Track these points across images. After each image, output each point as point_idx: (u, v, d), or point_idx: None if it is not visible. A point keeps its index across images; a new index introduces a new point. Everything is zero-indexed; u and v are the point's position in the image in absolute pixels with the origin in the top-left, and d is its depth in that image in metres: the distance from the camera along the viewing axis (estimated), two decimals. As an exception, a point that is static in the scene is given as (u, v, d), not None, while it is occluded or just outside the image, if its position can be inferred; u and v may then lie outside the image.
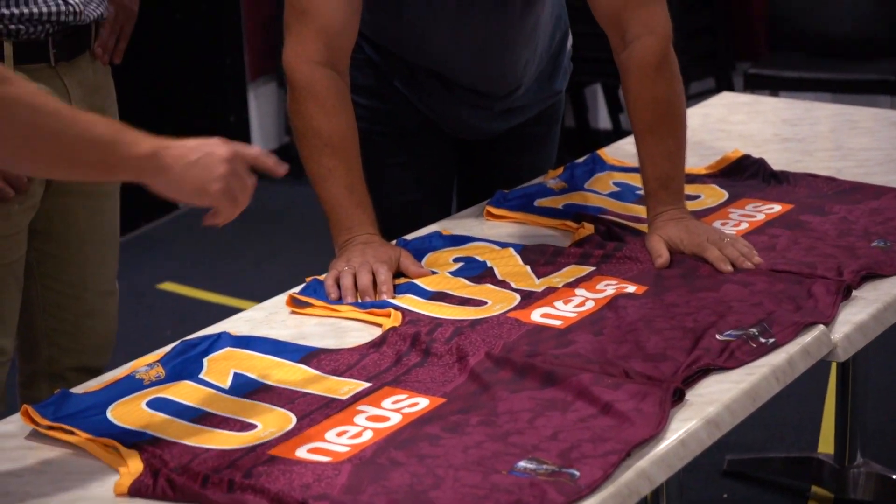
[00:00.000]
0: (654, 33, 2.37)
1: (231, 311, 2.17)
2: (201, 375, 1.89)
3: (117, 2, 2.54)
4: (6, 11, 2.29)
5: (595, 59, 5.05)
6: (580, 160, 2.76)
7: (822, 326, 1.97)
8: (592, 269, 2.25)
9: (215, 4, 5.39)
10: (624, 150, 2.79)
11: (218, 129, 5.34)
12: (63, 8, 2.34)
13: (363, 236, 2.29)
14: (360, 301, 2.16)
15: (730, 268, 2.21)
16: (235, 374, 1.89)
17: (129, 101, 4.96)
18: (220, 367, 1.91)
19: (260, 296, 2.35)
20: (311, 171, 2.33)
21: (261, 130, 5.59)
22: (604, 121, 5.62)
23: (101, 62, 2.50)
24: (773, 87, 4.85)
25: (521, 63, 2.62)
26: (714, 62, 5.14)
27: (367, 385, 1.84)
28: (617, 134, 5.46)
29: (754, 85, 4.83)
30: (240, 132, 5.46)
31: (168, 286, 4.74)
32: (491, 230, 2.45)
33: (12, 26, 2.30)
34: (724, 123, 3.04)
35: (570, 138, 5.43)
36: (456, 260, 2.32)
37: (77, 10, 2.36)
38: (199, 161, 1.75)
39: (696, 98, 4.83)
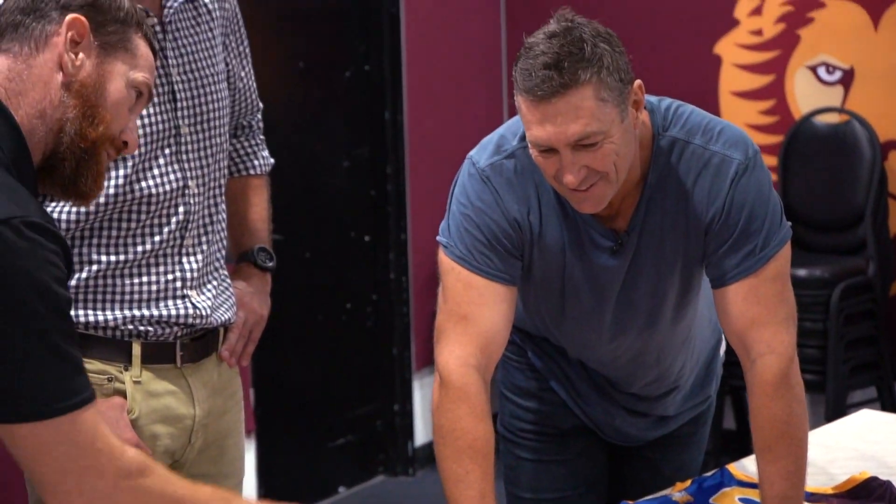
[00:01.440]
0: (775, 353, 2.39)
1: None
2: None
3: (247, 306, 2.61)
4: (137, 313, 2.38)
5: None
6: (709, 473, 2.75)
7: None
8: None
9: (386, 298, 5.54)
10: (754, 468, 2.78)
11: (383, 416, 5.49)
12: (191, 311, 2.42)
13: None
14: None
15: None
16: None
17: (300, 388, 5.17)
18: None
19: None
20: (447, 468, 2.37)
21: (423, 419, 5.65)
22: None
23: (227, 364, 2.57)
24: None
25: (675, 368, 2.69)
26: (876, 372, 5.08)
27: None
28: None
29: (916, 396, 4.76)
30: (403, 420, 5.54)
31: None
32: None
33: (142, 327, 2.39)
34: (861, 442, 2.99)
35: (731, 440, 5.38)
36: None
37: (204, 314, 2.45)
38: None
39: (856, 406, 4.78)
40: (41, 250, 1.71)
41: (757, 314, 2.40)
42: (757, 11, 5.42)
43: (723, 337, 2.81)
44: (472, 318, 2.39)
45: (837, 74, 5.33)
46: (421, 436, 5.63)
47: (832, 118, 5.31)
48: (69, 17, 1.89)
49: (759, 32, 5.41)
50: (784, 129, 5.41)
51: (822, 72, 5.36)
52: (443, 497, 2.29)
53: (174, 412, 2.45)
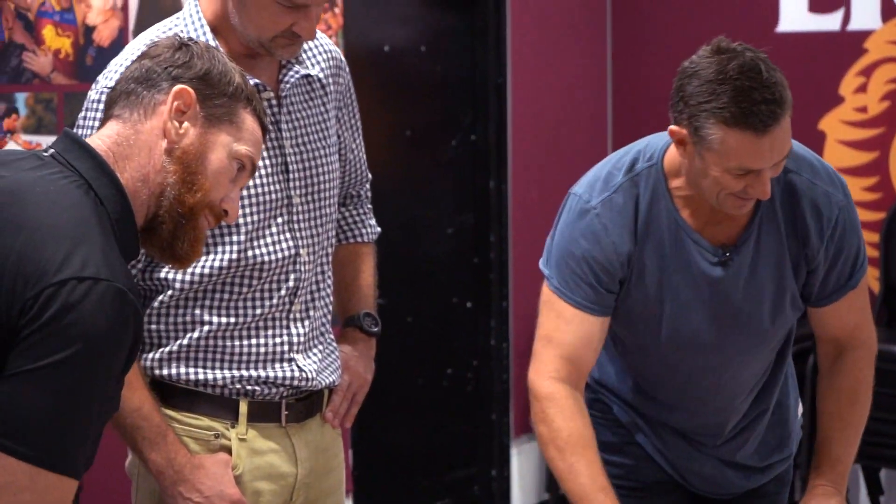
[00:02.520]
0: (866, 346, 2.76)
1: None
2: None
3: (352, 370, 2.66)
4: (245, 373, 2.44)
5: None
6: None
7: None
8: None
9: (486, 364, 5.58)
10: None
11: (480, 481, 5.51)
12: (297, 374, 2.48)
13: None
14: None
15: None
16: None
17: (399, 450, 5.21)
18: None
19: None
20: (556, 469, 2.55)
21: (521, 485, 5.67)
22: (863, 502, 5.50)
23: (331, 426, 2.61)
24: None
25: (758, 407, 2.81)
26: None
27: None
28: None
29: None
30: (501, 485, 5.56)
31: None
32: None
33: (249, 387, 2.44)
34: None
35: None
36: None
37: (310, 377, 2.50)
38: None
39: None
40: (114, 315, 1.78)
41: (856, 320, 2.73)
42: (862, 89, 5.44)
43: (799, 400, 2.94)
44: (556, 339, 2.60)
45: (941, 152, 5.34)
46: (517, 501, 5.65)
47: (937, 199, 5.31)
48: (177, 87, 1.98)
49: (863, 109, 5.43)
50: (886, 205, 5.41)
51: (927, 151, 5.37)
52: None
53: (277, 470, 2.50)
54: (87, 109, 2.41)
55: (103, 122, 2.02)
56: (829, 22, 5.49)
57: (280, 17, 2.37)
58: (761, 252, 2.60)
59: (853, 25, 5.45)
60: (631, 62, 5.98)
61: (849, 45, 5.45)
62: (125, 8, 4.06)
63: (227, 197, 2.01)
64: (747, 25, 5.59)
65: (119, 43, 4.03)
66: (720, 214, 2.56)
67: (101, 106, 2.31)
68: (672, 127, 2.50)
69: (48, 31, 3.87)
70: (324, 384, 2.55)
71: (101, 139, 1.97)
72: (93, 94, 2.42)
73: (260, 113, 2.04)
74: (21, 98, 3.81)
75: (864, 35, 5.43)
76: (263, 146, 2.41)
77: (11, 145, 3.79)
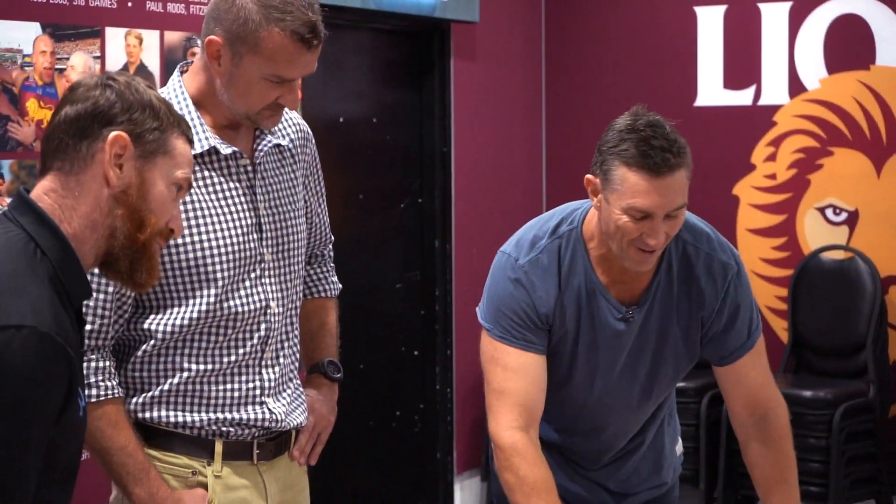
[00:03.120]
0: (781, 406, 2.80)
1: None
2: None
3: (317, 412, 2.67)
4: (220, 416, 2.45)
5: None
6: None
7: None
8: None
9: (432, 407, 5.63)
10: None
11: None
12: (268, 416, 2.49)
13: None
14: None
15: None
16: None
17: (353, 487, 5.22)
18: None
19: None
20: None
21: (464, 519, 5.73)
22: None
23: (297, 463, 2.61)
24: (930, 513, 4.82)
25: (644, 440, 2.91)
26: (875, 487, 5.13)
27: None
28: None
29: (912, 510, 4.81)
30: (446, 520, 5.61)
31: None
32: None
33: (224, 428, 2.45)
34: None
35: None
36: None
37: (280, 418, 2.51)
38: None
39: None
40: (39, 359, 1.77)
41: (763, 379, 2.78)
42: (772, 157, 5.56)
43: (678, 436, 3.04)
44: (507, 390, 2.65)
45: (843, 215, 5.45)
46: (461, 534, 5.70)
47: (838, 255, 5.41)
48: (111, 135, 1.93)
49: (773, 176, 5.55)
50: (794, 263, 5.52)
51: (829, 213, 5.47)
52: None
53: None
54: None
55: (41, 172, 1.97)
56: (742, 97, 5.63)
57: (268, 92, 2.40)
58: (654, 311, 2.71)
59: (764, 101, 5.58)
60: (562, 134, 6.07)
61: (760, 118, 5.58)
62: (105, 83, 4.13)
63: (172, 217, 2.00)
64: (668, 99, 5.70)
65: (99, 115, 4.10)
66: (628, 274, 2.67)
67: None
68: (588, 176, 2.64)
69: (31, 104, 3.90)
70: (292, 425, 2.56)
71: (45, 194, 1.94)
72: None
73: (186, 131, 2.01)
74: (6, 164, 3.83)
75: (774, 109, 5.56)
76: (241, 206, 2.48)
77: (-1, 208, 3.84)
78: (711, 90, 5.68)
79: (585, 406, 2.81)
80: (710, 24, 5.70)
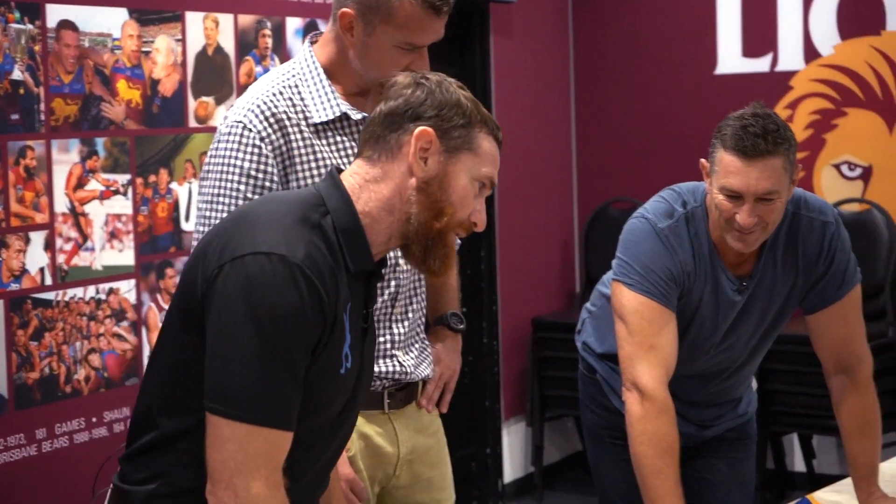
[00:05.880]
0: (863, 361, 2.74)
1: None
2: None
3: (443, 363, 2.64)
4: None
5: (792, 413, 5.11)
6: (793, 502, 2.79)
7: None
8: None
9: (479, 359, 5.59)
10: (828, 498, 2.82)
11: (477, 458, 5.50)
12: (398, 368, 2.46)
13: None
14: None
15: None
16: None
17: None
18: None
19: None
20: (649, 465, 2.54)
21: (510, 461, 5.68)
22: (799, 464, 5.56)
23: (425, 410, 2.58)
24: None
25: (737, 386, 2.91)
26: (897, 419, 5.07)
27: None
28: (810, 476, 5.39)
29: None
30: (494, 462, 5.56)
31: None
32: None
33: None
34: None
35: (771, 479, 5.40)
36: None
37: (409, 370, 2.48)
38: None
39: (884, 448, 4.76)
40: (292, 287, 1.75)
41: (848, 332, 2.73)
42: (789, 120, 5.48)
43: (753, 381, 3.05)
44: (658, 346, 2.60)
45: (858, 171, 5.39)
46: (508, 474, 5.65)
47: (855, 207, 5.36)
48: (418, 129, 1.89)
49: (790, 137, 5.48)
50: (814, 216, 5.45)
51: (844, 169, 5.41)
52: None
53: (382, 450, 2.48)
54: (218, 141, 2.38)
55: (356, 157, 1.97)
56: (760, 64, 5.54)
57: (400, 59, 2.34)
58: (766, 278, 2.70)
59: (780, 67, 5.50)
60: (589, 105, 5.98)
61: (777, 83, 5.50)
62: (184, 64, 4.05)
63: (473, 211, 1.94)
64: (690, 68, 5.63)
65: (179, 93, 4.02)
66: (740, 256, 2.67)
67: (233, 139, 2.31)
68: (701, 160, 2.65)
69: (121, 85, 3.85)
70: (420, 377, 2.53)
71: (351, 175, 1.93)
72: (223, 129, 2.38)
73: (494, 131, 1.94)
74: (100, 142, 3.79)
75: (790, 75, 5.48)
76: None
77: (93, 183, 3.77)
78: (731, 58, 5.59)
79: (695, 359, 2.75)
80: (727, -3, 5.61)
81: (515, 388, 5.71)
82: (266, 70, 4.25)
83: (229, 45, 4.18)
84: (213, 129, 4.11)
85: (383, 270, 2.00)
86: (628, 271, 2.66)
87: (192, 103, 4.07)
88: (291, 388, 1.78)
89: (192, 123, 4.07)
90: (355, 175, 1.93)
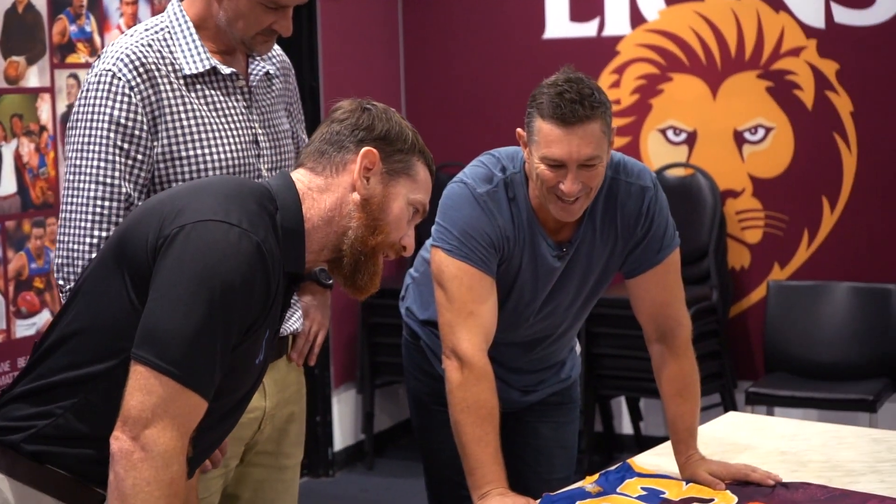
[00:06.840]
0: (682, 325, 2.74)
1: None
2: None
3: (312, 317, 2.64)
4: None
5: (619, 376, 5.19)
6: (612, 468, 2.80)
7: None
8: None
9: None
10: (649, 462, 2.85)
11: (308, 426, 5.43)
12: None
13: (500, 489, 2.48)
14: None
15: (775, 480, 2.60)
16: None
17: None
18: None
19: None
20: (468, 432, 2.52)
21: (341, 428, 5.64)
22: (626, 427, 5.66)
23: (295, 364, 2.60)
24: (769, 403, 4.88)
25: (559, 351, 2.93)
26: (720, 381, 5.19)
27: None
28: (637, 438, 5.48)
29: (754, 401, 4.87)
30: (325, 430, 5.52)
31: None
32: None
33: None
34: (733, 438, 3.07)
35: (599, 442, 5.47)
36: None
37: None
38: None
39: (703, 411, 4.87)
40: (250, 263, 1.80)
41: (667, 297, 2.72)
42: (616, 84, 5.54)
43: (577, 344, 3.05)
44: (477, 313, 2.58)
45: (683, 136, 5.47)
46: (339, 442, 5.61)
47: (679, 172, 5.43)
48: (364, 149, 2.00)
49: (617, 102, 5.52)
50: (640, 181, 5.51)
51: (670, 133, 5.49)
52: (357, 495, 2.34)
53: (251, 404, 2.45)
54: (86, 90, 2.36)
55: (294, 167, 2.05)
56: (587, 29, 5.56)
57: (263, 17, 2.38)
58: (585, 243, 2.70)
59: (607, 32, 5.53)
60: (419, 68, 5.95)
61: (604, 48, 5.53)
62: None
63: (405, 235, 2.04)
64: (518, 33, 5.63)
65: None
66: (560, 222, 2.66)
67: (102, 87, 2.30)
68: (518, 129, 2.61)
69: None
70: (289, 331, 2.54)
71: (296, 180, 2.00)
72: (91, 78, 2.37)
73: (429, 162, 2.07)
74: None
75: (617, 39, 5.52)
76: (239, 123, 2.45)
77: None
78: (558, 23, 5.60)
79: (517, 326, 2.75)
80: (556, -38, 5.62)
81: (345, 355, 5.67)
82: (81, 29, 4.11)
83: (41, 2, 4.02)
84: (24, 90, 3.96)
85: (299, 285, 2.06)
86: (447, 237, 2.63)
87: (1, 63, 3.90)
88: (220, 361, 1.82)
89: (2, 84, 3.91)
90: (299, 181, 2.00)
